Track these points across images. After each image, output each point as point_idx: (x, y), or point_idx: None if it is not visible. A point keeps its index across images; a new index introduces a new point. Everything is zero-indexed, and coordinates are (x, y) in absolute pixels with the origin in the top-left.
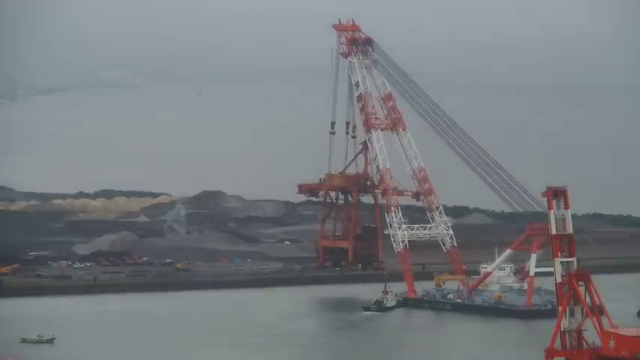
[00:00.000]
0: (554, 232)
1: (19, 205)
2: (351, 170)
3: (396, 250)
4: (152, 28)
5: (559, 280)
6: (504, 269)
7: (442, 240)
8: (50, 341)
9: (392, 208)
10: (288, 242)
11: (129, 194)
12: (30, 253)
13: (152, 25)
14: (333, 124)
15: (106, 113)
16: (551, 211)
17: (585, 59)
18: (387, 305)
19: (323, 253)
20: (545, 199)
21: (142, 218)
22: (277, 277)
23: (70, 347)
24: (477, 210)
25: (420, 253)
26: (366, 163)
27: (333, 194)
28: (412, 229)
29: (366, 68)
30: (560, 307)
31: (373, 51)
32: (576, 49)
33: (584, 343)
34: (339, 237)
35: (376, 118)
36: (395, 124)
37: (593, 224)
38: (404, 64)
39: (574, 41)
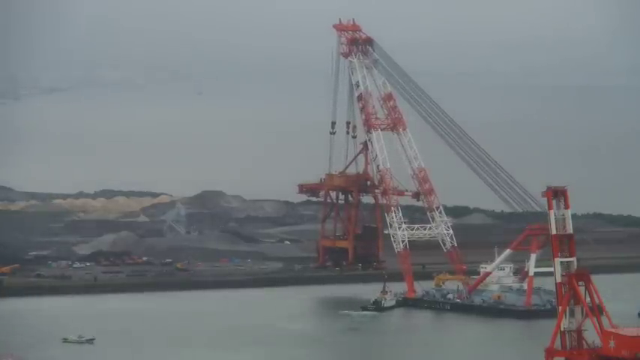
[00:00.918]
0: (554, 232)
1: (19, 205)
2: (352, 170)
3: (396, 250)
4: (153, 28)
5: (559, 280)
6: (504, 269)
7: (442, 240)
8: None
9: (392, 208)
10: (288, 242)
11: (129, 194)
12: (30, 253)
13: (153, 25)
14: (333, 124)
15: (108, 113)
16: (551, 211)
17: (586, 59)
18: (385, 305)
19: (323, 253)
20: (545, 199)
21: (142, 218)
22: (277, 277)
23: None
24: (477, 210)
25: (420, 253)
26: (367, 163)
27: (333, 194)
28: (412, 229)
29: (366, 68)
30: (560, 307)
31: (374, 51)
32: (576, 48)
33: (584, 343)
34: (340, 237)
35: (376, 118)
36: (395, 124)
37: (593, 224)
38: (406, 63)
39: (574, 41)
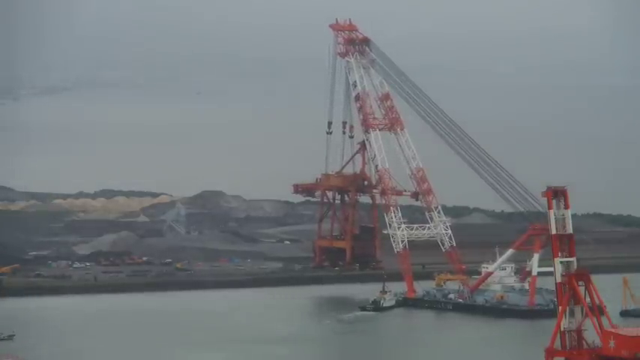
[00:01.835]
0: (554, 231)
1: (19, 205)
2: (348, 170)
3: (395, 250)
4: (153, 28)
5: (559, 280)
6: (505, 269)
7: (441, 240)
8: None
9: (391, 207)
10: (287, 242)
11: (129, 194)
12: (30, 253)
13: (152, 25)
14: (330, 124)
15: (108, 113)
16: (551, 211)
17: (587, 58)
18: (384, 305)
19: (320, 253)
20: (546, 198)
21: (142, 218)
22: (277, 277)
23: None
24: (477, 210)
25: (419, 253)
26: (364, 163)
27: (330, 194)
28: (411, 229)
29: (363, 68)
30: (560, 307)
31: (370, 51)
32: (577, 48)
33: (584, 343)
34: (337, 237)
35: (374, 118)
36: (393, 124)
37: (593, 224)
38: (404, 61)
39: (575, 40)
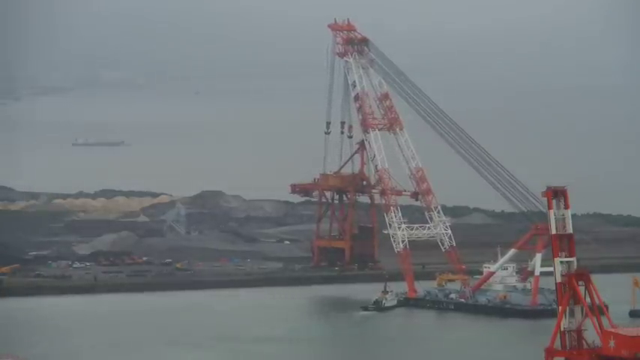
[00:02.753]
0: (554, 231)
1: (19, 205)
2: (347, 170)
3: (395, 250)
4: (153, 28)
5: (559, 279)
6: (507, 269)
7: (441, 240)
8: None
9: (391, 207)
10: (287, 242)
11: (129, 194)
12: (30, 253)
13: (152, 25)
14: (328, 124)
15: (108, 113)
16: (551, 211)
17: (587, 59)
18: (385, 305)
19: (318, 253)
20: (546, 198)
21: (142, 218)
22: (277, 277)
23: None
24: (477, 210)
25: (419, 253)
26: (362, 163)
27: (328, 194)
28: (412, 229)
29: (362, 68)
30: (560, 307)
31: (369, 50)
32: (577, 48)
33: (584, 342)
34: (335, 237)
35: (374, 118)
36: (392, 124)
37: (593, 224)
38: (404, 61)
39: (575, 41)
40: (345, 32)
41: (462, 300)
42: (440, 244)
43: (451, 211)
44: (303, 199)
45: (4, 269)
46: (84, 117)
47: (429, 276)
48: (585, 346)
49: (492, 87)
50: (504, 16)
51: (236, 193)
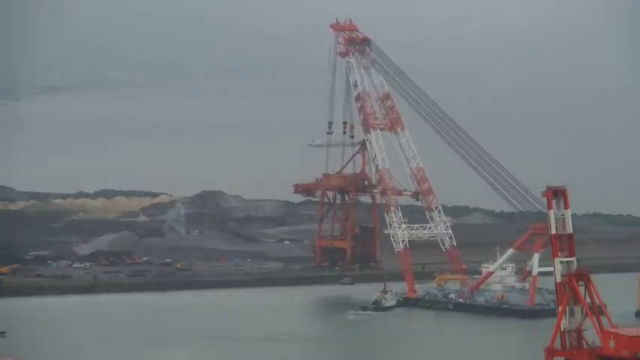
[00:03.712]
0: (553, 231)
1: (19, 205)
2: (349, 170)
3: (396, 250)
4: (152, 27)
5: (559, 279)
6: (506, 269)
7: (441, 240)
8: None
9: (392, 207)
10: (287, 242)
11: (129, 194)
12: (30, 253)
13: (153, 25)
14: (330, 124)
15: (108, 113)
16: (551, 211)
17: (587, 60)
18: (385, 305)
19: (320, 253)
20: (546, 198)
21: (142, 218)
22: (277, 277)
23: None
24: (476, 210)
25: (419, 253)
26: (364, 163)
27: (330, 194)
28: (412, 229)
29: (364, 68)
30: (560, 307)
31: (371, 51)
32: (577, 50)
33: (584, 342)
34: (337, 237)
35: (375, 118)
36: (393, 124)
37: (593, 224)
38: (405, 62)
39: (575, 42)
40: (347, 32)
41: (461, 300)
42: (440, 244)
43: (451, 211)
44: (303, 199)
45: (4, 269)
46: (84, 117)
47: (428, 276)
48: (585, 346)
49: (492, 88)
50: (505, 15)
51: (236, 193)
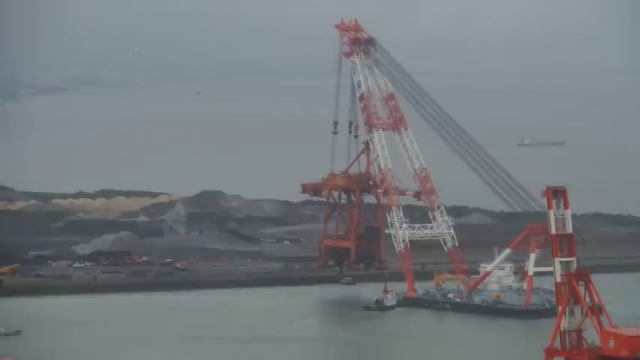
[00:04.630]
0: (553, 231)
1: (19, 205)
2: (354, 170)
3: (396, 250)
4: (153, 27)
5: (559, 279)
6: (504, 269)
7: (443, 240)
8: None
9: (393, 207)
10: (288, 242)
11: (129, 194)
12: (30, 253)
13: (152, 25)
14: (335, 123)
15: (107, 113)
16: (551, 211)
17: (586, 60)
18: (387, 304)
19: (325, 252)
20: (545, 198)
21: (142, 218)
22: (277, 277)
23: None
24: (476, 210)
25: (420, 253)
26: (369, 163)
27: (335, 194)
28: (413, 229)
29: (368, 68)
30: (560, 307)
31: (375, 51)
32: (576, 49)
33: (583, 342)
34: (342, 237)
35: (378, 118)
36: (397, 124)
37: (593, 224)
38: (407, 63)
39: (574, 42)
40: (352, 32)
41: (459, 300)
42: (442, 243)
43: (451, 212)
44: (304, 198)
45: (4, 269)
46: (83, 117)
47: (428, 276)
48: (585, 346)
49: (491, 87)
50: (505, 15)
51: (236, 192)
